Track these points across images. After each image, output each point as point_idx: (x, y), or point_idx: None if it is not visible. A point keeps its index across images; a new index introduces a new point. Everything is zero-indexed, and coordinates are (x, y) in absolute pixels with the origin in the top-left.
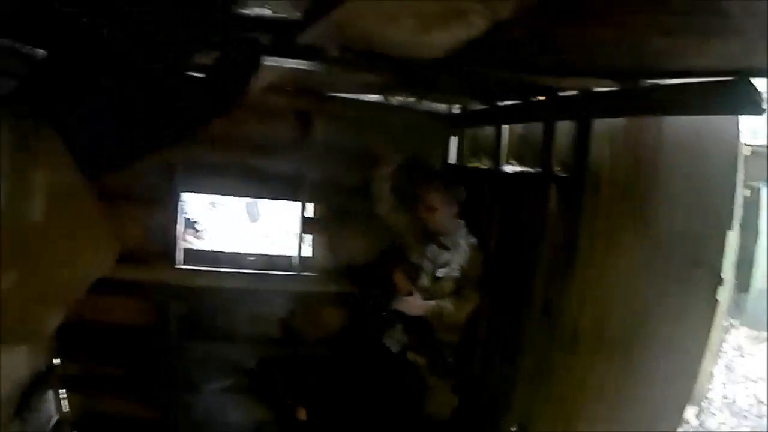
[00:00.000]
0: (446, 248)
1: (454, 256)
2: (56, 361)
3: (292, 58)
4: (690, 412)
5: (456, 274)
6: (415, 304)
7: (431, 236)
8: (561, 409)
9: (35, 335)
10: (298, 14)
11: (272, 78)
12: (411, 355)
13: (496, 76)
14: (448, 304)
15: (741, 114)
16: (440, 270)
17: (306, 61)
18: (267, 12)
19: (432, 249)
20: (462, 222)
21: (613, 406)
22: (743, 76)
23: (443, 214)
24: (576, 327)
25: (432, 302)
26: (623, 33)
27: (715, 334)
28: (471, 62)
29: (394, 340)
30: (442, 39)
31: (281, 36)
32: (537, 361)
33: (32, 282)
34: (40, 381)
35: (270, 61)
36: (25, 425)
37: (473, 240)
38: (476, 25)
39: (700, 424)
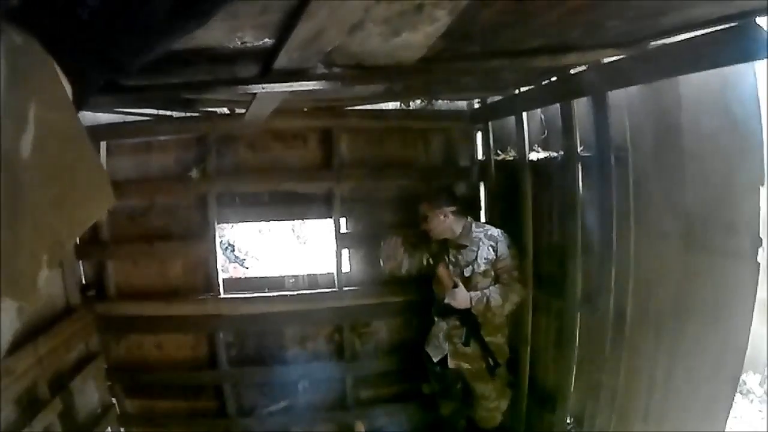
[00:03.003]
0: (464, 246)
1: (478, 252)
2: (113, 400)
3: (277, 82)
4: (753, 381)
5: (485, 267)
6: (462, 295)
7: (447, 243)
8: (614, 396)
9: (20, 285)
10: (268, 40)
11: (274, 105)
12: (453, 362)
13: (491, 65)
14: (493, 293)
15: (753, 59)
16: (467, 269)
17: (294, 83)
18: (236, 44)
19: (452, 254)
20: (469, 219)
21: (665, 386)
22: (746, 18)
23: (435, 219)
24: (619, 310)
25: (477, 292)
26: None
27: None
28: (458, 56)
29: (435, 348)
30: (416, 38)
31: (263, 64)
32: (585, 351)
33: (20, 227)
34: (97, 420)
35: (259, 89)
36: None
37: (494, 231)
38: (439, 17)
39: (766, 392)
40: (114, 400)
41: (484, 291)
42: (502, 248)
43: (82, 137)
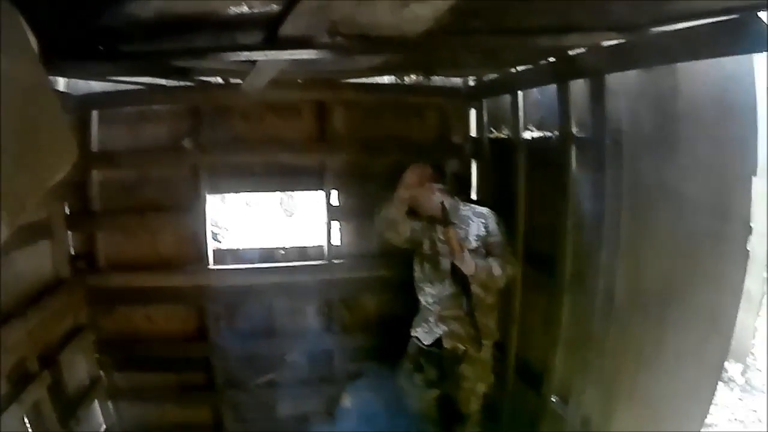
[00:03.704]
0: (452, 224)
1: (468, 230)
2: (101, 373)
3: (281, 50)
4: (735, 369)
5: (476, 244)
6: (469, 260)
7: (434, 221)
8: (600, 376)
9: None
10: (275, 6)
11: (273, 74)
12: (449, 343)
13: (496, 42)
14: (494, 263)
15: (753, 52)
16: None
17: (297, 51)
18: (244, 9)
19: (441, 231)
20: (456, 198)
21: (652, 368)
22: (748, 11)
23: (423, 194)
24: (608, 291)
25: (480, 260)
26: None
27: (754, 286)
28: (463, 31)
29: (426, 333)
30: (424, 11)
31: (267, 31)
32: (573, 330)
33: None
34: (86, 394)
35: (262, 56)
36: None
37: (483, 209)
38: None
39: (746, 382)
40: (102, 374)
41: (486, 260)
42: (492, 225)
43: (47, 91)
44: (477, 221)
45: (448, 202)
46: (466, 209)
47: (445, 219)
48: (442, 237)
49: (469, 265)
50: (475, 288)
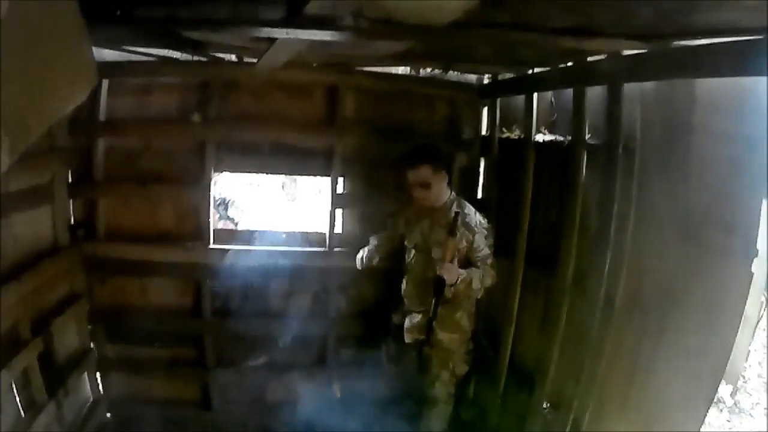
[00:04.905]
0: (439, 224)
1: (474, 239)
2: (91, 344)
3: (304, 29)
4: (725, 390)
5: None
6: (455, 272)
7: (423, 214)
8: (594, 380)
9: None
10: None
11: (290, 54)
12: (409, 337)
13: (519, 38)
14: (476, 276)
15: None
16: (435, 252)
17: (320, 32)
18: None
19: (426, 225)
20: (453, 194)
21: (646, 379)
22: None
23: (438, 184)
24: (609, 296)
25: (463, 272)
26: None
27: (751, 309)
28: (490, 25)
29: (398, 315)
30: (454, 1)
31: (290, 7)
32: (570, 333)
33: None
34: (76, 364)
35: (283, 34)
36: (61, 407)
37: (473, 220)
38: None
39: (735, 404)
40: (93, 344)
41: (469, 272)
42: (479, 240)
43: (72, 15)
44: (462, 231)
45: (445, 195)
46: (470, 214)
47: (452, 229)
48: (426, 232)
49: (452, 276)
50: (447, 291)
